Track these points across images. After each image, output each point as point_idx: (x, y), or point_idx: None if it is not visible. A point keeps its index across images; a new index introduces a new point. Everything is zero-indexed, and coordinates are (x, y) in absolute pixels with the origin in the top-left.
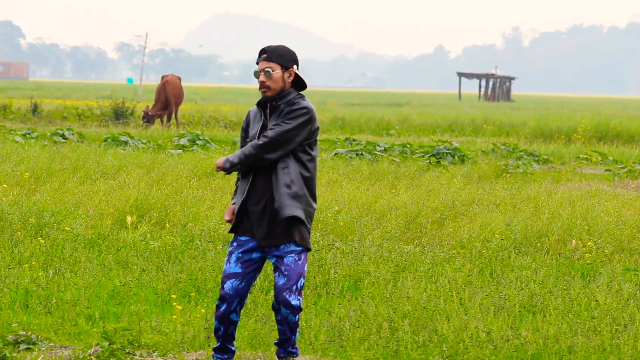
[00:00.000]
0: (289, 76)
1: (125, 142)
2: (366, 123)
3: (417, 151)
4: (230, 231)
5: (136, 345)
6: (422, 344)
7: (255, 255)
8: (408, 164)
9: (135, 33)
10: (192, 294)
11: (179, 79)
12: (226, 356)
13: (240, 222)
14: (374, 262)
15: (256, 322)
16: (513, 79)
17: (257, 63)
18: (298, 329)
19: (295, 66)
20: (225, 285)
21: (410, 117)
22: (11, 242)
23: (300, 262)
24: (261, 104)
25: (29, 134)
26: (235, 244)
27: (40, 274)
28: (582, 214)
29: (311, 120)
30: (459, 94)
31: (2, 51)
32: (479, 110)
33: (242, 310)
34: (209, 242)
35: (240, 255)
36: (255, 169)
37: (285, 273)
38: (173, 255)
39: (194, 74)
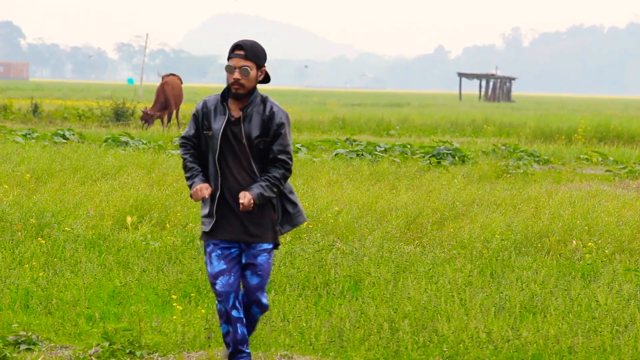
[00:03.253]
0: (260, 75)
1: (126, 143)
2: (366, 123)
3: (417, 151)
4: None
5: (136, 345)
6: (422, 345)
7: (233, 250)
8: (408, 164)
9: (136, 33)
10: (192, 295)
11: (180, 79)
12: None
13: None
14: (374, 263)
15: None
16: (513, 79)
17: (230, 57)
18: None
19: (265, 64)
20: (216, 285)
21: (410, 118)
22: (12, 242)
23: (271, 261)
24: (225, 98)
25: (29, 134)
26: (211, 244)
27: (40, 274)
28: (582, 215)
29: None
30: (460, 94)
31: (2, 51)
32: (479, 111)
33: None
34: None
35: (220, 252)
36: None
37: (259, 273)
38: (173, 256)
39: (194, 74)
